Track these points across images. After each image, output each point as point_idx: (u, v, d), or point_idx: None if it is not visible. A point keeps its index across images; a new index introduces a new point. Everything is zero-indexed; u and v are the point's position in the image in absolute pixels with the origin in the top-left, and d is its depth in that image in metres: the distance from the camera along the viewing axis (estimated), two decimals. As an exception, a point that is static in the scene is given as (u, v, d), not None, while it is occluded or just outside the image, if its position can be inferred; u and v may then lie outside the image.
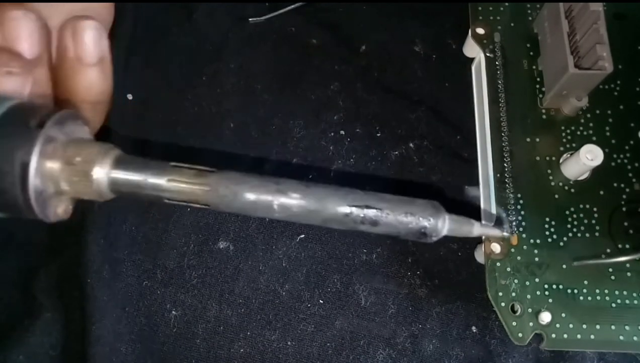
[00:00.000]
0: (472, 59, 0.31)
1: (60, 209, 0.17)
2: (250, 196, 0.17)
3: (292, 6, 0.31)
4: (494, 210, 0.25)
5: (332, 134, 0.30)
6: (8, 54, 0.16)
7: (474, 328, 0.26)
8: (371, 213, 0.18)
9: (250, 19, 0.32)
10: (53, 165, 0.16)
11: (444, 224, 0.19)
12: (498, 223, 0.25)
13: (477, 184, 0.28)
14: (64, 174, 0.16)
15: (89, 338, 0.25)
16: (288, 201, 0.17)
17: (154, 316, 0.26)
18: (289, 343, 0.26)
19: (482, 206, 0.26)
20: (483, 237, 0.25)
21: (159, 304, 0.26)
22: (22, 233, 0.27)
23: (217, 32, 0.31)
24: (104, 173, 0.16)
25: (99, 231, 0.26)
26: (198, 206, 0.17)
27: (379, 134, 0.30)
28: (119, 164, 0.17)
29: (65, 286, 0.26)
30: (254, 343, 0.26)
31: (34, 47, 0.16)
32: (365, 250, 0.27)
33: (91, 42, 0.17)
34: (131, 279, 0.26)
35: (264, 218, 0.28)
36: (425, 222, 0.19)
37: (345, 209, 0.18)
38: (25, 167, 0.15)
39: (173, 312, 0.26)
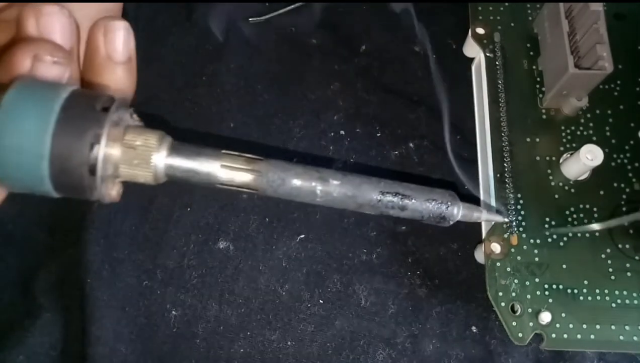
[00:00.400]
0: (472, 59, 0.31)
1: (114, 192, 0.17)
2: (297, 182, 0.19)
3: (292, 6, 0.31)
4: (493, 204, 0.26)
5: (332, 134, 0.30)
6: (53, 44, 0.17)
7: (474, 328, 0.26)
8: (400, 198, 0.20)
9: (250, 19, 0.32)
10: (116, 149, 0.16)
11: (459, 211, 0.21)
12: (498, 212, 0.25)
13: (477, 184, 0.28)
14: (125, 157, 0.17)
15: (89, 338, 0.25)
16: (329, 187, 0.19)
17: (154, 316, 0.26)
18: (289, 343, 0.26)
19: (481, 200, 0.27)
20: (483, 237, 0.25)
21: (159, 304, 0.26)
22: (22, 233, 0.27)
23: (217, 32, 0.31)
24: (162, 158, 0.17)
25: (99, 231, 0.26)
26: (247, 190, 0.19)
27: (379, 134, 0.30)
28: (174, 150, 0.17)
29: (65, 286, 0.26)
30: (254, 343, 0.26)
31: (67, 41, 0.18)
32: (365, 250, 0.27)
33: (121, 41, 0.18)
34: (131, 279, 0.26)
35: (263, 218, 0.28)
36: (445, 207, 0.21)
37: (378, 195, 0.20)
38: (93, 148, 0.16)
39: (173, 312, 0.26)
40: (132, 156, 0.17)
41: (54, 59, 0.16)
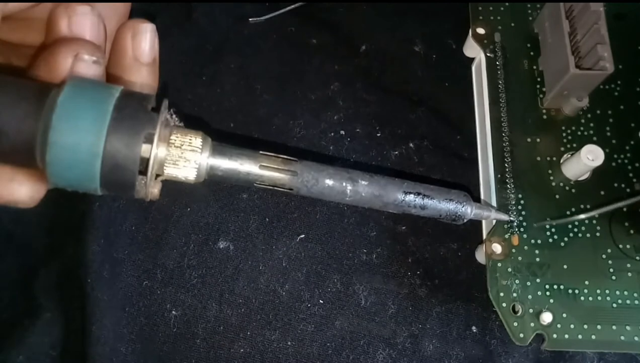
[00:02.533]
0: (472, 59, 0.31)
1: (156, 190, 0.18)
2: (329, 181, 0.20)
3: (292, 6, 0.31)
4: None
5: (332, 134, 0.30)
6: (93, 44, 0.17)
7: (474, 328, 0.26)
8: (421, 198, 0.22)
9: (250, 19, 0.32)
10: (162, 148, 0.17)
11: (472, 210, 0.23)
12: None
13: (477, 184, 0.28)
14: (170, 157, 0.17)
15: (89, 338, 0.25)
16: (358, 187, 0.21)
17: (154, 316, 0.26)
18: (289, 343, 0.26)
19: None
20: (484, 237, 0.25)
21: (159, 304, 0.26)
22: (22, 233, 0.27)
23: (217, 32, 0.31)
24: (205, 158, 0.18)
25: (99, 231, 0.26)
26: (282, 189, 0.20)
27: (379, 134, 0.30)
28: (216, 151, 0.18)
29: (65, 286, 0.26)
30: (254, 343, 0.26)
31: (96, 40, 0.18)
32: (365, 250, 0.27)
33: (148, 43, 0.19)
34: (131, 279, 0.26)
35: (263, 218, 0.28)
36: (460, 207, 0.23)
37: (401, 195, 0.21)
38: (145, 148, 0.16)
39: (173, 312, 0.26)
40: (178, 156, 0.17)
41: (94, 58, 0.17)
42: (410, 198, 0.22)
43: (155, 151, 0.16)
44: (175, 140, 0.17)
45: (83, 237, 0.26)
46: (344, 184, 0.20)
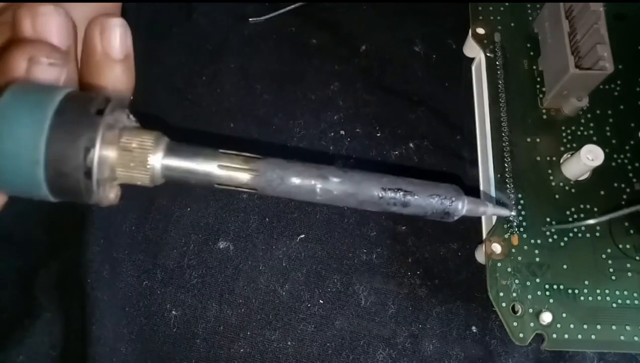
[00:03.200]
0: (472, 59, 0.31)
1: (112, 195, 0.17)
2: (296, 180, 0.19)
3: (292, 6, 0.31)
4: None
5: (332, 134, 0.30)
6: (49, 45, 0.17)
7: (474, 328, 0.26)
8: (402, 195, 0.20)
9: (250, 19, 0.32)
10: (111, 151, 0.16)
11: (463, 205, 0.21)
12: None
13: (477, 184, 0.28)
14: (121, 160, 0.17)
15: (89, 338, 0.25)
16: (329, 185, 0.19)
17: (154, 316, 0.26)
18: (289, 343, 0.26)
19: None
20: (484, 237, 0.25)
21: (159, 304, 0.26)
22: (22, 233, 0.27)
23: (217, 32, 0.31)
24: (158, 159, 0.17)
25: (99, 231, 0.26)
26: (246, 190, 0.18)
27: (379, 134, 0.30)
28: (171, 151, 0.17)
29: (65, 286, 0.26)
30: (254, 343, 0.26)
31: (64, 41, 0.17)
32: (365, 250, 0.27)
33: (118, 39, 0.18)
34: (131, 279, 0.26)
35: (263, 218, 0.28)
36: (449, 203, 0.20)
37: (379, 192, 0.20)
38: (88, 152, 0.15)
39: (173, 312, 0.26)
40: (129, 158, 0.17)
41: (50, 60, 0.16)
42: (390, 194, 0.20)
43: (99, 154, 0.16)
44: (125, 142, 0.17)
45: (83, 237, 0.26)
46: (313, 182, 0.19)
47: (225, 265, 0.27)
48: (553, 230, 0.25)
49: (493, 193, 0.26)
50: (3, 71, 0.16)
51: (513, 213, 0.25)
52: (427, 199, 0.20)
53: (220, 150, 0.18)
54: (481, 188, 0.27)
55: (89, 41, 0.18)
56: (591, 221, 0.24)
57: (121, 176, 0.17)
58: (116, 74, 0.19)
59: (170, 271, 0.26)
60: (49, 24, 0.17)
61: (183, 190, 0.28)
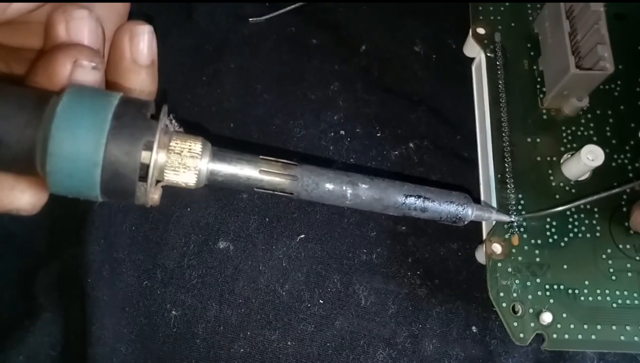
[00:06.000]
0: (472, 59, 0.31)
1: (157, 196, 0.18)
2: (329, 186, 0.20)
3: (292, 6, 0.31)
4: (494, 204, 0.26)
5: (332, 134, 0.29)
6: (91, 49, 0.17)
7: (474, 328, 0.26)
8: (422, 201, 0.22)
9: (250, 19, 0.32)
10: (163, 155, 0.17)
11: (472, 211, 0.23)
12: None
13: (477, 184, 0.28)
14: (170, 163, 0.17)
15: (89, 338, 0.25)
16: (358, 191, 0.20)
17: (154, 316, 0.26)
18: (289, 343, 0.26)
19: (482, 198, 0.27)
20: (484, 238, 0.25)
21: (159, 304, 0.26)
22: (22, 233, 0.27)
23: (217, 32, 0.31)
24: (205, 164, 0.18)
25: (99, 231, 0.26)
26: (283, 194, 0.20)
27: (379, 134, 0.30)
28: (216, 156, 0.18)
29: (65, 286, 0.26)
30: (254, 343, 0.26)
31: (94, 45, 0.18)
32: (365, 250, 0.27)
33: (146, 45, 0.19)
34: (131, 279, 0.26)
35: (263, 218, 0.28)
36: (462, 209, 0.23)
37: (402, 198, 0.21)
38: (147, 155, 0.16)
39: (173, 312, 0.26)
40: (178, 162, 0.17)
41: (92, 64, 0.17)
42: (411, 200, 0.21)
43: (155, 158, 0.16)
44: (175, 146, 0.17)
45: (83, 237, 0.26)
46: (344, 188, 0.20)
47: (225, 265, 0.27)
48: (553, 230, 0.25)
49: (493, 193, 0.26)
50: (47, 73, 0.17)
51: (513, 219, 0.25)
52: (443, 206, 0.22)
53: (261, 156, 0.19)
54: (481, 188, 0.27)
55: (118, 46, 0.19)
56: (559, 209, 0.25)
57: (168, 178, 0.18)
58: (142, 78, 0.19)
59: (170, 271, 0.26)
60: (82, 28, 0.17)
61: (183, 190, 0.28)
